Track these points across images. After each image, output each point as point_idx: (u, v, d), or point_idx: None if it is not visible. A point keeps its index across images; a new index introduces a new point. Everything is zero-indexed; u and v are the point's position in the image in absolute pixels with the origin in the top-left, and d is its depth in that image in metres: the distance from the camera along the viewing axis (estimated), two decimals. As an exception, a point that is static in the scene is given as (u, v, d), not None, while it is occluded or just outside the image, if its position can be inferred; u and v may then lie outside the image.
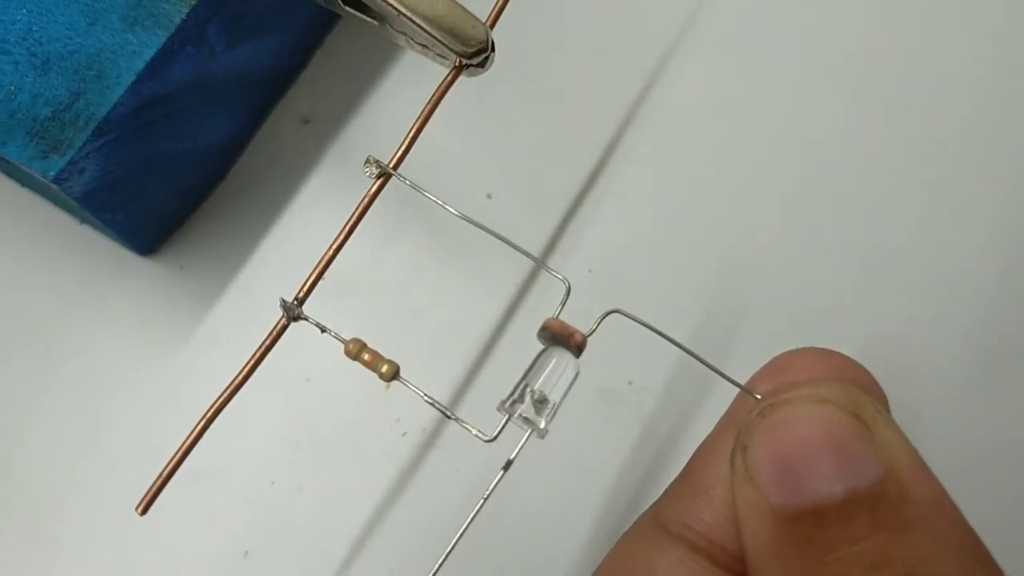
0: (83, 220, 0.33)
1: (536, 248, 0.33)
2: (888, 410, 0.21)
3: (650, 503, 0.25)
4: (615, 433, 0.32)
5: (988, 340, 0.33)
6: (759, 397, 0.22)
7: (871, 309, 0.33)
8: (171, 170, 0.31)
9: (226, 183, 0.34)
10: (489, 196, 0.34)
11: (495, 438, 0.23)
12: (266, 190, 0.34)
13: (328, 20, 0.35)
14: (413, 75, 0.35)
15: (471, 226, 0.24)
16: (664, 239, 0.34)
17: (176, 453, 0.23)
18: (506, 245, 0.24)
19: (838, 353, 0.23)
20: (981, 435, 0.32)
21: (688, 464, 0.24)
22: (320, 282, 0.33)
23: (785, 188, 0.34)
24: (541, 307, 0.32)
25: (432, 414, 0.31)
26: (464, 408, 0.31)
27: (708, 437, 0.24)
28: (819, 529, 0.19)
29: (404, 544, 0.30)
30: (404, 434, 0.31)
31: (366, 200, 0.25)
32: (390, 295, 0.33)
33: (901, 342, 0.33)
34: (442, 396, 0.31)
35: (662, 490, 0.25)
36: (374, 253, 0.33)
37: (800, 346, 0.32)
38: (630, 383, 0.32)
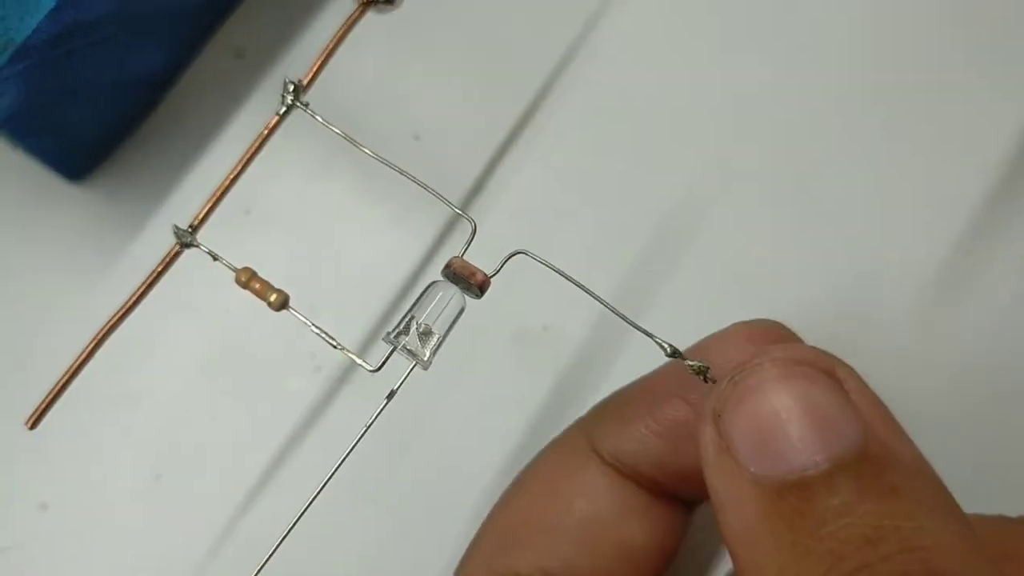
0: (15, 145, 0.33)
1: (461, 192, 0.33)
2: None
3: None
4: (527, 377, 0.32)
5: (921, 302, 0.33)
6: (668, 345, 0.21)
7: (802, 270, 0.33)
8: (98, 99, 0.32)
9: (157, 114, 0.34)
10: (417, 137, 0.34)
11: (379, 368, 0.23)
12: (197, 122, 0.34)
13: (267, -45, 0.35)
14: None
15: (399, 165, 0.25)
16: (594, 189, 0.34)
17: (66, 372, 0.24)
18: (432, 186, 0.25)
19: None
20: (914, 401, 0.32)
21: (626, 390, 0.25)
22: (244, 216, 0.33)
23: (719, 143, 0.35)
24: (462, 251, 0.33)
25: (348, 350, 0.31)
26: (378, 347, 0.32)
27: (656, 373, 0.25)
28: (806, 501, 0.18)
29: (313, 477, 0.31)
30: (319, 369, 0.32)
31: (266, 131, 0.25)
32: (313, 233, 0.33)
33: (833, 304, 0.33)
34: (356, 335, 0.32)
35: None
36: (301, 189, 0.33)
37: (724, 300, 0.33)
38: (545, 329, 0.32)
